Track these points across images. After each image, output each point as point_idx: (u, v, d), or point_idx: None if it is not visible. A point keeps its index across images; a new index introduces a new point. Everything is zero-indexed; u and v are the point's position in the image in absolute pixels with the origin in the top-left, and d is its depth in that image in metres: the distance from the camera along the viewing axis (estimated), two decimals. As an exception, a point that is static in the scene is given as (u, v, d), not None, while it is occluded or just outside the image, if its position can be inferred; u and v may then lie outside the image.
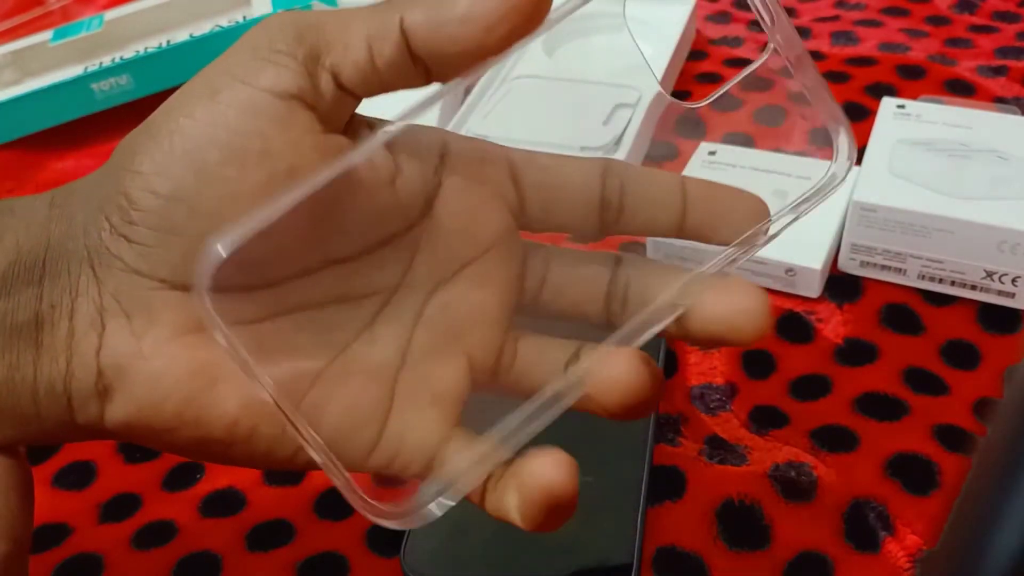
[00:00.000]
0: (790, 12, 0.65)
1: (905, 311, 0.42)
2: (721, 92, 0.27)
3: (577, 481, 0.23)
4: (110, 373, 0.23)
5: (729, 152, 0.46)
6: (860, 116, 0.53)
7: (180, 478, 0.38)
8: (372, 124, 0.26)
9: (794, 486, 0.35)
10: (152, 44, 0.61)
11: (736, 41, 0.62)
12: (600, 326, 0.27)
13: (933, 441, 0.36)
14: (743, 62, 0.56)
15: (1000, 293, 0.41)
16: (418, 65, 0.23)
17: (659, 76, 0.53)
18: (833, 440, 0.36)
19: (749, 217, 0.26)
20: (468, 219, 0.26)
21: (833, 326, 0.41)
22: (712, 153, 0.46)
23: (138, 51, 0.60)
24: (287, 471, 0.32)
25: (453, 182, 0.25)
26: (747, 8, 0.25)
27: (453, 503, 0.24)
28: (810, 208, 0.25)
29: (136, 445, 0.35)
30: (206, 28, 0.62)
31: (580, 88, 0.50)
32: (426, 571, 0.33)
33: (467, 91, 0.51)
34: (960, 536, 0.15)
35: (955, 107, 0.46)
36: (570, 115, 0.50)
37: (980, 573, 0.14)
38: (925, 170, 0.43)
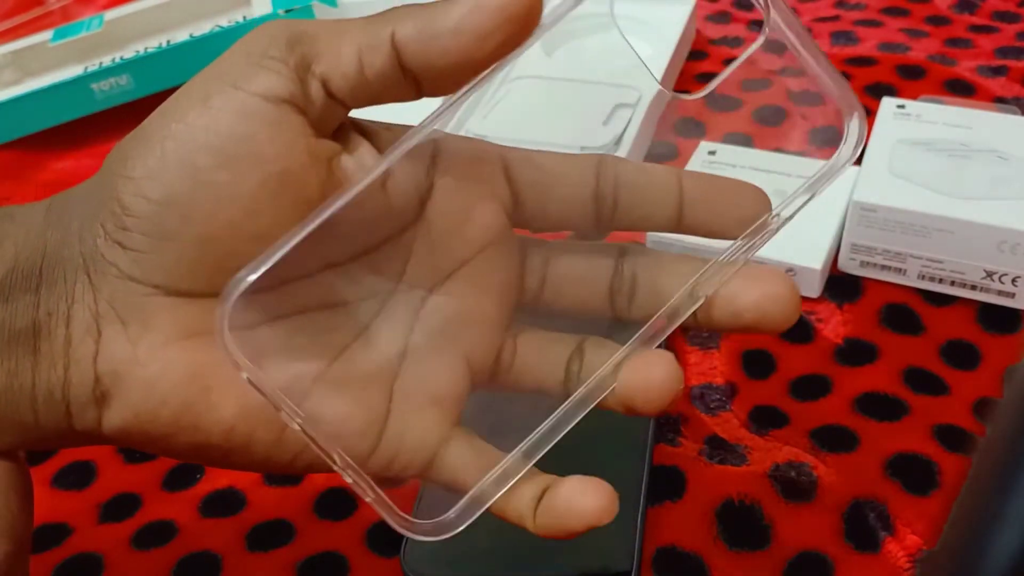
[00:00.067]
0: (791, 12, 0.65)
1: (905, 311, 0.42)
2: (721, 79, 0.27)
3: (616, 508, 0.24)
4: (107, 379, 0.23)
5: (729, 152, 0.46)
6: (860, 116, 0.53)
7: (180, 478, 0.38)
8: (362, 128, 0.26)
9: (794, 486, 0.35)
10: (152, 44, 0.61)
11: (736, 41, 0.62)
12: (606, 320, 0.27)
13: (933, 441, 0.36)
14: (744, 61, 0.56)
15: (1000, 293, 0.41)
16: (408, 78, 0.23)
17: (659, 75, 0.53)
18: (833, 440, 0.36)
19: (749, 209, 0.25)
20: (461, 219, 0.26)
21: (833, 326, 0.41)
22: (712, 153, 0.46)
23: (138, 51, 0.60)
24: (287, 471, 0.32)
25: (445, 183, 0.25)
26: (747, 8, 0.25)
27: (479, 512, 0.25)
28: (826, 186, 0.25)
29: (136, 445, 0.35)
30: (206, 28, 0.62)
31: (580, 88, 0.50)
32: (426, 571, 0.33)
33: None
34: (960, 536, 0.15)
35: (955, 107, 0.46)
36: (570, 115, 0.50)
37: (980, 573, 0.14)
38: (925, 170, 0.43)
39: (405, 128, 0.25)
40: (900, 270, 0.42)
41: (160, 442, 0.24)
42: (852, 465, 0.35)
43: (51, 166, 0.59)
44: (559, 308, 0.27)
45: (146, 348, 0.23)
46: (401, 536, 0.34)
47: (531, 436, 0.25)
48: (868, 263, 0.43)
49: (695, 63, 0.60)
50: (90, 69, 0.59)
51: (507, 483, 0.24)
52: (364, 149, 0.25)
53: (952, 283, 0.42)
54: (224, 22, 0.62)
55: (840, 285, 0.43)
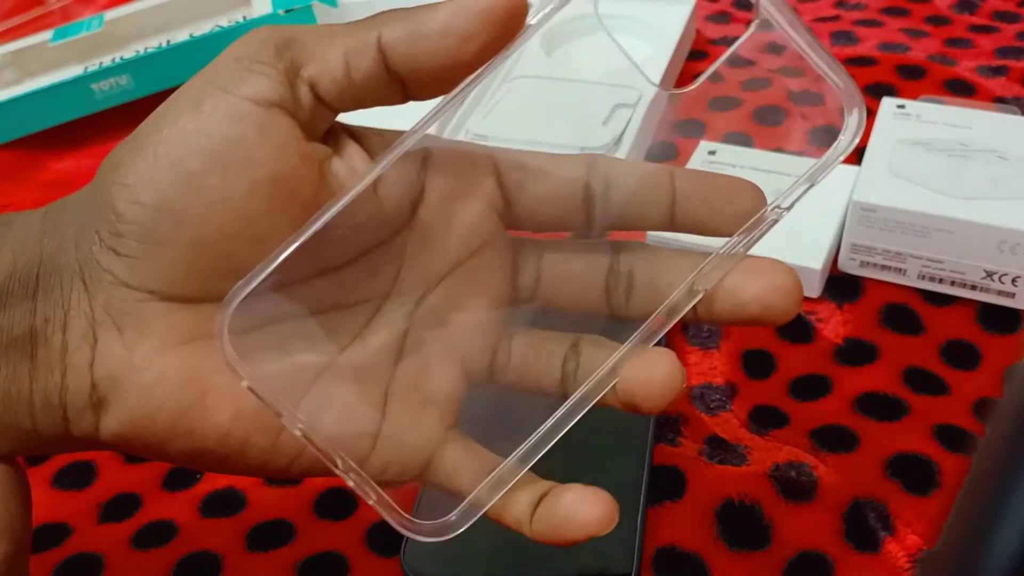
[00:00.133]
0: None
1: (905, 311, 0.42)
2: (714, 68, 0.26)
3: (616, 519, 0.24)
4: (104, 385, 0.24)
5: (729, 152, 0.46)
6: (860, 116, 0.53)
7: (180, 478, 0.38)
8: (352, 132, 0.26)
9: (794, 486, 0.35)
10: (152, 44, 0.61)
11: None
12: (604, 318, 0.27)
13: (933, 441, 0.36)
14: (744, 61, 0.56)
15: (1000, 293, 0.41)
16: (395, 81, 0.24)
17: (659, 74, 0.53)
18: (833, 440, 0.36)
19: (744, 204, 0.25)
20: (453, 222, 0.26)
21: (833, 326, 0.41)
22: (712, 153, 0.46)
23: (138, 51, 0.60)
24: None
25: (436, 186, 0.26)
26: (747, 8, 0.24)
27: (480, 513, 0.25)
28: (824, 176, 0.25)
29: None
30: (206, 28, 0.62)
31: (580, 88, 0.50)
32: (426, 571, 0.33)
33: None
34: (960, 536, 0.15)
35: (955, 107, 0.46)
36: (570, 115, 0.50)
37: (980, 573, 0.14)
38: (925, 170, 0.43)
39: (395, 133, 0.25)
40: (900, 270, 0.42)
41: (157, 447, 0.24)
42: (852, 465, 0.35)
43: (51, 166, 0.59)
44: (555, 307, 0.27)
45: (142, 354, 0.24)
46: (401, 536, 0.34)
47: (528, 440, 0.25)
48: (868, 263, 0.43)
49: (695, 63, 0.60)
50: (90, 69, 0.59)
51: (504, 487, 0.24)
52: (354, 152, 0.25)
53: (952, 283, 0.42)
54: (224, 22, 0.62)
55: (840, 285, 0.43)
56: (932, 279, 0.42)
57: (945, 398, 0.38)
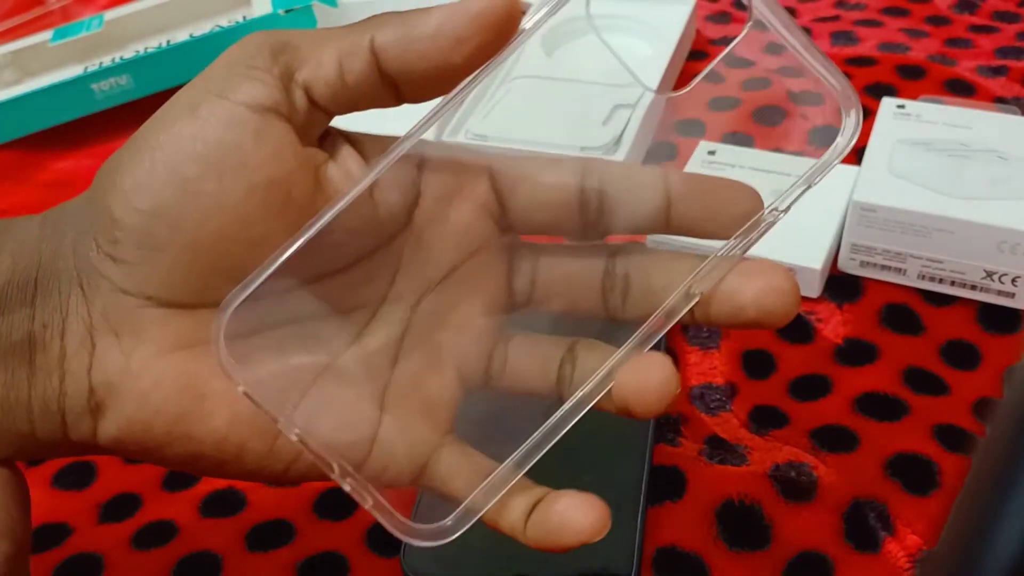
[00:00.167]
0: (790, 12, 0.65)
1: (905, 311, 0.42)
2: (709, 70, 0.27)
3: (609, 526, 0.24)
4: (101, 390, 0.24)
5: (729, 152, 0.46)
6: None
7: (180, 478, 0.38)
8: (347, 137, 0.26)
9: (794, 486, 0.35)
10: (152, 44, 0.61)
11: (736, 41, 0.62)
12: (600, 321, 0.26)
13: (933, 441, 0.36)
14: (743, 61, 0.56)
15: (1000, 293, 0.41)
16: (387, 84, 0.24)
17: (659, 74, 0.53)
18: (833, 440, 0.36)
19: (741, 207, 0.25)
20: (448, 227, 0.26)
21: (833, 326, 0.41)
22: (712, 153, 0.46)
23: (138, 51, 0.60)
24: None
25: (431, 191, 0.26)
26: (747, 8, 0.24)
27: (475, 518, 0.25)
28: (822, 177, 0.25)
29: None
30: (206, 28, 0.62)
31: (579, 88, 0.50)
32: (426, 571, 0.33)
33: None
34: (960, 536, 0.15)
35: (955, 107, 0.46)
36: (570, 115, 0.50)
37: (980, 573, 0.14)
38: (925, 170, 0.43)
39: (390, 138, 0.25)
40: (900, 270, 0.42)
41: (154, 452, 0.24)
42: (852, 465, 0.35)
43: (51, 166, 0.59)
44: (551, 311, 0.27)
45: (139, 359, 0.24)
46: (401, 536, 0.34)
47: (523, 446, 0.24)
48: (868, 263, 0.43)
49: (695, 63, 0.60)
50: (90, 69, 0.59)
51: (499, 493, 0.24)
52: (350, 157, 0.25)
53: (952, 283, 0.42)
54: (224, 22, 0.62)
55: (840, 285, 0.43)
56: (932, 279, 0.42)
57: (945, 398, 0.38)
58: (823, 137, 0.25)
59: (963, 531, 0.15)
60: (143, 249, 0.23)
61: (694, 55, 0.60)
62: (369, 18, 0.24)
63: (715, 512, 0.34)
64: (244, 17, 0.61)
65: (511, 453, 0.24)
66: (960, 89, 0.55)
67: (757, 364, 0.40)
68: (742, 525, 0.34)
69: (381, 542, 0.35)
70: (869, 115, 0.51)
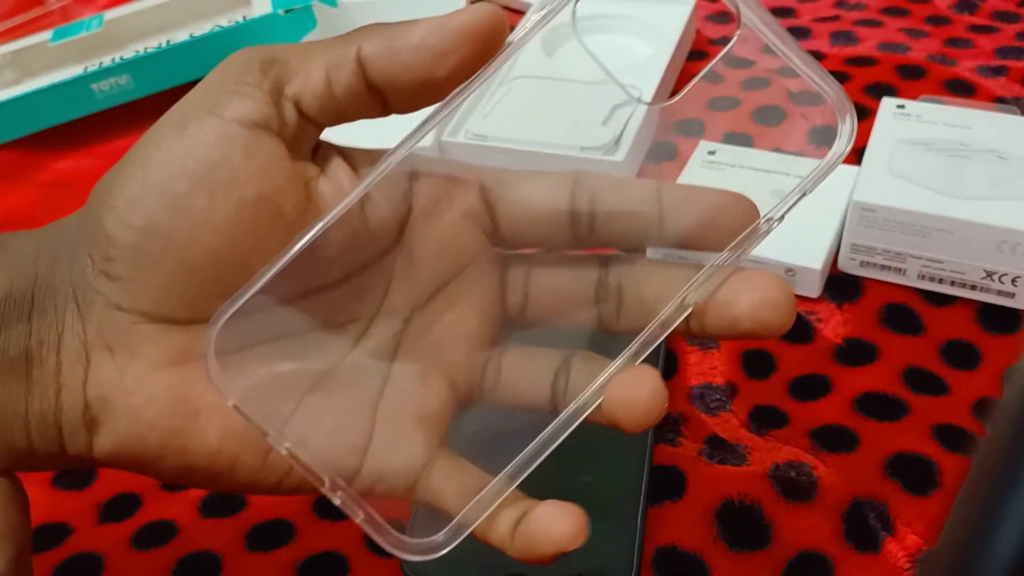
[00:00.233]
0: (790, 12, 0.65)
1: (905, 311, 0.42)
2: (699, 78, 0.27)
3: (587, 533, 0.24)
4: (96, 406, 0.24)
5: (728, 152, 0.46)
6: (860, 116, 0.52)
7: (180, 478, 0.38)
8: (338, 151, 0.26)
9: (794, 486, 0.35)
10: (152, 44, 0.61)
11: (736, 41, 0.62)
12: (594, 333, 0.26)
13: (933, 441, 0.36)
14: (743, 62, 0.56)
15: (1000, 293, 0.41)
16: (374, 94, 0.24)
17: (659, 74, 0.53)
18: (833, 440, 0.36)
19: (735, 218, 0.25)
20: (440, 241, 0.26)
21: (833, 326, 0.42)
22: (712, 153, 0.46)
23: (138, 51, 0.60)
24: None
25: (422, 205, 0.26)
26: (736, 17, 0.24)
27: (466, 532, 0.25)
28: (817, 185, 0.25)
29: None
30: (206, 28, 0.62)
31: (580, 88, 0.50)
32: (425, 571, 0.33)
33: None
34: (960, 536, 0.15)
35: (955, 107, 0.46)
36: (570, 115, 0.50)
37: (980, 573, 0.14)
38: (925, 170, 0.43)
39: (382, 152, 0.25)
40: (900, 270, 0.42)
41: (149, 465, 0.25)
42: (852, 465, 0.35)
43: (51, 166, 0.59)
44: (544, 323, 0.27)
45: (133, 375, 0.24)
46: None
47: (515, 459, 0.24)
48: (868, 263, 0.43)
49: (695, 63, 0.60)
50: (90, 69, 0.59)
51: (490, 507, 0.24)
52: (341, 171, 0.25)
53: (952, 283, 0.42)
54: (224, 22, 0.62)
55: (840, 285, 0.43)
56: (932, 279, 0.42)
57: (945, 398, 0.38)
58: (823, 137, 0.25)
59: (963, 531, 0.15)
60: (136, 266, 0.23)
61: (694, 55, 0.60)
62: (357, 29, 0.24)
63: (715, 512, 0.34)
64: (244, 17, 0.61)
65: (504, 466, 0.24)
66: (960, 89, 0.55)
67: (757, 364, 0.40)
68: (742, 525, 0.34)
69: (381, 542, 0.35)
70: (869, 115, 0.51)
